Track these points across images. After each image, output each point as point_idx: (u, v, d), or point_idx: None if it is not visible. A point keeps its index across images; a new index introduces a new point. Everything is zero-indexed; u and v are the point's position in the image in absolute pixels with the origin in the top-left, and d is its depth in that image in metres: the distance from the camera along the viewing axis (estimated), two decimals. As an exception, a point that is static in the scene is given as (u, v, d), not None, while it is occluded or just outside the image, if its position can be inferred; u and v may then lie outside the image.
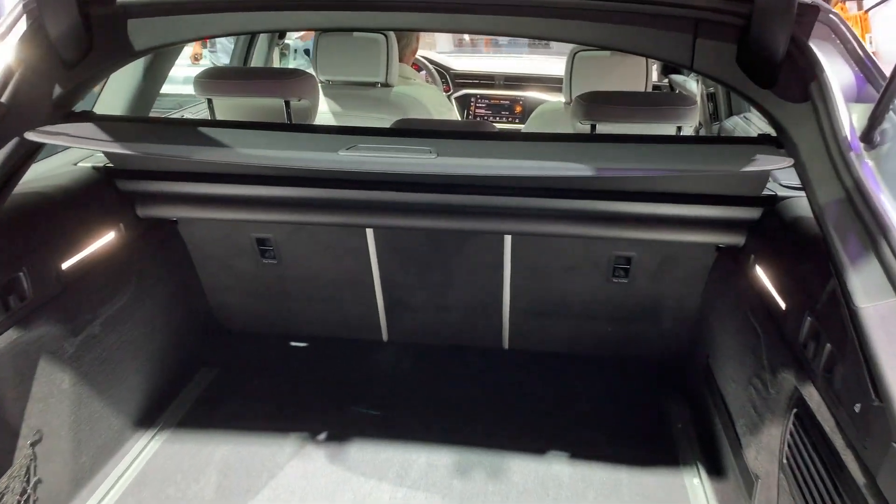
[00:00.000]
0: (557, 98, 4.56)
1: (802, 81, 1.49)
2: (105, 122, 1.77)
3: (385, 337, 2.73)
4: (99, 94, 2.33)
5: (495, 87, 4.72)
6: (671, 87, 4.42)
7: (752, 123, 3.20)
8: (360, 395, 2.52)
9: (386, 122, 3.33)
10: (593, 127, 2.20)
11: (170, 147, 1.67)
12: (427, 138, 1.75)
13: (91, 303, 2.02)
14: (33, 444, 1.79)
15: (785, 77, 1.51)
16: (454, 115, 3.75)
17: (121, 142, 1.67)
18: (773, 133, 1.66)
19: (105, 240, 2.09)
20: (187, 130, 1.79)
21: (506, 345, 2.68)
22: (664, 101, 2.23)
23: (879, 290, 1.22)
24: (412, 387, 2.59)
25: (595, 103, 2.17)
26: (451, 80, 4.73)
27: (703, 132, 3.81)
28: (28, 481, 1.78)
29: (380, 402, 2.49)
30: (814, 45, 1.51)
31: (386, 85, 3.30)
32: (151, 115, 2.54)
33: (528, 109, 4.60)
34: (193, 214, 2.27)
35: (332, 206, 2.20)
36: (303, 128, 1.91)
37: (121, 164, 2.19)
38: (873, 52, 1.60)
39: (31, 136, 1.61)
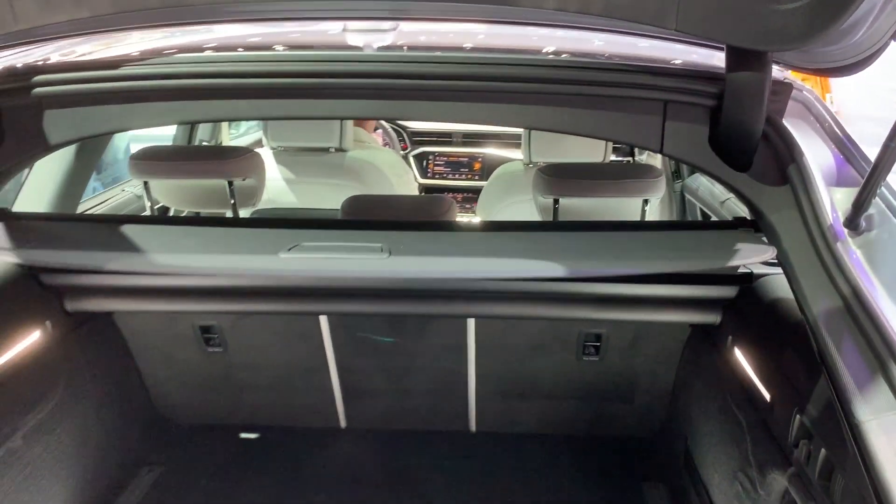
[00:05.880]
0: (516, 154, 4.49)
1: (780, 164, 1.40)
2: (22, 222, 1.59)
3: (343, 423, 2.55)
4: (19, 189, 2.14)
5: (453, 144, 4.65)
6: (630, 140, 4.37)
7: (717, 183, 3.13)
8: (317, 486, 2.32)
9: (340, 188, 3.23)
10: (556, 201, 2.10)
11: (94, 255, 1.49)
12: (379, 230, 1.63)
13: (10, 415, 1.81)
14: None
15: (761, 159, 1.41)
16: (411, 178, 3.64)
17: (38, 248, 1.50)
18: (748, 216, 1.56)
19: (27, 342, 1.89)
20: (115, 231, 1.62)
21: (473, 427, 2.52)
22: (629, 173, 2.12)
23: (884, 403, 1.10)
24: (373, 475, 2.40)
25: (558, 178, 2.06)
26: (408, 137, 4.64)
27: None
28: None
29: (339, 494, 2.29)
30: (789, 125, 1.42)
31: (340, 150, 3.19)
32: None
33: (486, 166, 4.52)
34: (129, 307, 2.08)
35: (281, 293, 2.04)
36: (243, 222, 1.75)
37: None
38: (836, 112, 1.53)
39: None
